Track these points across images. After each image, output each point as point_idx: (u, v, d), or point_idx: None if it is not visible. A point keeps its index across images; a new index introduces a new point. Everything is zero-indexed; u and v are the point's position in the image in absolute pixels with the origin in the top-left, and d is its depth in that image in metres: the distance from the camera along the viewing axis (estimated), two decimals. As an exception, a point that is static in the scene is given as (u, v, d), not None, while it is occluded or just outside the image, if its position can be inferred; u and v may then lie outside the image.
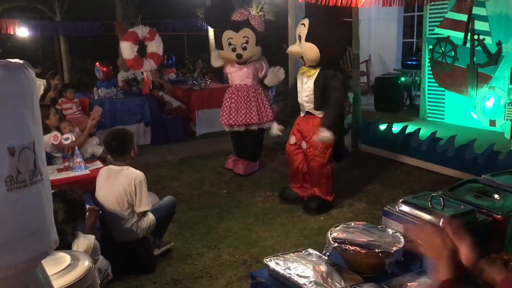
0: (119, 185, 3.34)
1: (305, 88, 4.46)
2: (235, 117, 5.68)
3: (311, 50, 4.34)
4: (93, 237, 2.65)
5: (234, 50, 5.56)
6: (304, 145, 4.54)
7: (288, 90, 4.81)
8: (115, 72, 8.95)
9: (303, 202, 4.60)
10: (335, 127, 4.33)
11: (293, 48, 4.57)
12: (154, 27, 7.99)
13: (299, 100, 4.58)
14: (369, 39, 10.76)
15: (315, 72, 4.40)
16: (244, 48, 5.53)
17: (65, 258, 1.73)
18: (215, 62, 5.91)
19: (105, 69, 8.40)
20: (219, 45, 5.76)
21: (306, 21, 4.43)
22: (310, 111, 4.50)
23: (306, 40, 4.35)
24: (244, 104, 5.65)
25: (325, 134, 4.25)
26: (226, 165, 6.05)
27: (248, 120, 5.64)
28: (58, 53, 13.16)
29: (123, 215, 3.36)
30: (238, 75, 5.73)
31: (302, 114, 4.65)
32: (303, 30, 4.41)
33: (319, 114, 4.45)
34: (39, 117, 1.17)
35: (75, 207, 2.64)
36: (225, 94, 5.88)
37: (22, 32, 9.97)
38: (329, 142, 4.34)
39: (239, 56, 5.56)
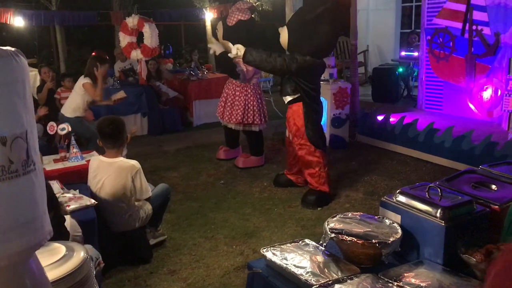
0: (115, 178, 3.31)
1: None
2: (222, 112, 5.68)
3: (283, 34, 4.40)
4: (68, 216, 2.69)
5: None
6: (290, 136, 4.60)
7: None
8: (112, 63, 8.89)
9: (302, 196, 4.60)
10: (252, 60, 4.29)
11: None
12: (151, 17, 7.95)
13: None
14: (367, 29, 10.71)
15: None
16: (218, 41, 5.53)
17: (60, 249, 1.71)
18: None
19: (101, 59, 8.33)
20: None
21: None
22: (283, 98, 4.59)
23: (286, 24, 4.45)
24: (230, 102, 5.61)
25: (240, 49, 4.28)
26: (217, 155, 6.06)
27: (233, 119, 5.59)
28: (54, 42, 13.07)
29: (120, 206, 3.35)
30: None
31: None
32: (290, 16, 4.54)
33: (285, 100, 4.53)
34: (32, 105, 1.15)
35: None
36: None
37: (17, 21, 9.88)
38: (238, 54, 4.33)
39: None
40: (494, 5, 6.22)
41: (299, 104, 4.43)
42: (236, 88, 5.57)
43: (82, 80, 5.28)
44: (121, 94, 5.68)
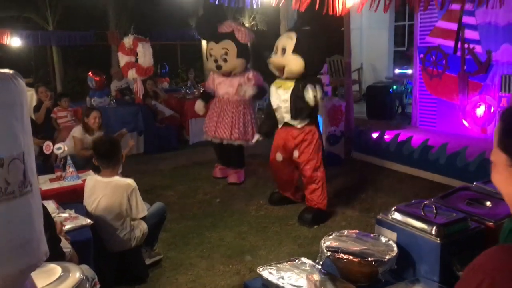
0: (111, 197, 3.30)
1: (283, 100, 4.44)
2: (214, 129, 5.69)
3: (296, 63, 4.34)
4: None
5: (215, 61, 5.57)
6: (296, 154, 4.55)
7: (266, 107, 4.93)
8: (108, 82, 8.94)
9: (299, 214, 4.60)
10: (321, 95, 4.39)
11: (277, 59, 4.47)
12: (147, 37, 8.01)
13: (278, 114, 4.58)
14: (361, 48, 10.82)
15: (292, 85, 4.39)
16: (225, 60, 5.51)
17: (55, 269, 1.70)
18: None
19: (98, 78, 8.39)
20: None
21: (293, 34, 4.44)
22: (289, 122, 4.51)
23: (293, 52, 4.35)
24: (223, 117, 5.63)
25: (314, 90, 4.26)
26: (214, 174, 6.07)
27: (225, 135, 5.62)
28: (51, 62, 13.14)
29: (116, 225, 3.33)
30: (222, 87, 5.72)
31: (280, 126, 4.64)
32: (289, 43, 4.39)
33: (297, 124, 4.47)
34: (29, 127, 1.16)
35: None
36: (211, 105, 5.87)
37: (14, 42, 9.96)
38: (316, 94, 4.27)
39: (218, 67, 5.56)
40: (485, 23, 6.33)
41: (313, 124, 4.51)
42: (240, 106, 5.61)
43: (74, 130, 5.39)
44: (122, 132, 5.64)
